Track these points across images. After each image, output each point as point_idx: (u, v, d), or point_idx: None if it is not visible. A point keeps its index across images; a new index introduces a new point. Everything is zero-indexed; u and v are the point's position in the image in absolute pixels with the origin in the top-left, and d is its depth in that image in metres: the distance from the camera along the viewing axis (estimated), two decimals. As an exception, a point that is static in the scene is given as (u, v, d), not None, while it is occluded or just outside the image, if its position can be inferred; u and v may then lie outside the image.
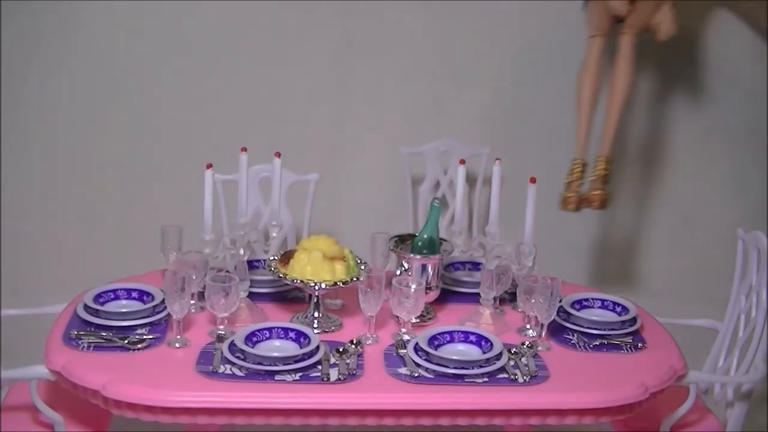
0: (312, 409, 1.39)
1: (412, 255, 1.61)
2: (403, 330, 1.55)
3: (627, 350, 1.56)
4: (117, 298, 1.62)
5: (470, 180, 1.91)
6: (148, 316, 1.56)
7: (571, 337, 1.59)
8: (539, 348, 1.54)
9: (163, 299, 1.54)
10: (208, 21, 2.00)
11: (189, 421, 1.39)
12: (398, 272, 1.63)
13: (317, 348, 1.47)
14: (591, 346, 1.56)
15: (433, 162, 2.02)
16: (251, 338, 1.48)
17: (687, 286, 2.15)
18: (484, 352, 1.49)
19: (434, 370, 1.44)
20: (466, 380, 1.44)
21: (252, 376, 1.42)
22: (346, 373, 1.43)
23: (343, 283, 1.56)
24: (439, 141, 2.00)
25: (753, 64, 2.08)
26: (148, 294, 1.62)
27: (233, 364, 1.44)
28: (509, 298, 1.71)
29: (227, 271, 1.59)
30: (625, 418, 1.47)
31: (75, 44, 2.00)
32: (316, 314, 1.59)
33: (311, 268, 1.56)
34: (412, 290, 1.51)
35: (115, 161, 2.05)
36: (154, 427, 1.45)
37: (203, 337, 1.54)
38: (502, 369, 1.46)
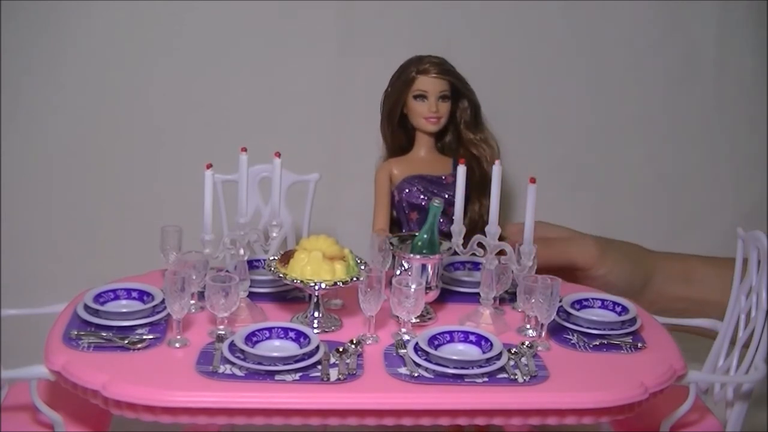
0: (312, 409, 1.39)
1: (411, 255, 1.62)
2: (403, 330, 1.55)
3: (627, 350, 1.56)
4: (117, 298, 1.62)
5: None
6: (148, 316, 1.56)
7: (570, 336, 1.59)
8: (539, 348, 1.54)
9: (163, 299, 1.54)
10: (208, 20, 2.00)
11: (189, 421, 1.39)
12: (398, 272, 1.63)
13: (317, 348, 1.47)
14: (591, 346, 1.56)
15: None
16: (251, 338, 1.48)
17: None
18: (483, 352, 1.49)
19: (434, 370, 1.44)
20: (465, 380, 1.44)
21: (252, 376, 1.42)
22: (346, 372, 1.44)
23: (343, 283, 1.56)
24: (439, 141, 2.00)
25: (754, 62, 2.08)
26: (148, 294, 1.62)
27: (233, 364, 1.44)
28: (509, 297, 1.71)
29: (227, 271, 1.59)
30: (624, 418, 1.47)
31: (74, 43, 1.99)
32: (316, 314, 1.59)
33: (311, 268, 1.56)
34: (412, 290, 1.51)
35: (115, 161, 2.04)
36: (154, 427, 1.45)
37: (203, 337, 1.54)
38: (502, 369, 1.46)
